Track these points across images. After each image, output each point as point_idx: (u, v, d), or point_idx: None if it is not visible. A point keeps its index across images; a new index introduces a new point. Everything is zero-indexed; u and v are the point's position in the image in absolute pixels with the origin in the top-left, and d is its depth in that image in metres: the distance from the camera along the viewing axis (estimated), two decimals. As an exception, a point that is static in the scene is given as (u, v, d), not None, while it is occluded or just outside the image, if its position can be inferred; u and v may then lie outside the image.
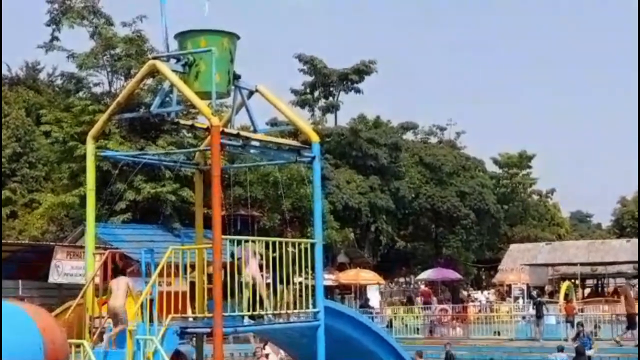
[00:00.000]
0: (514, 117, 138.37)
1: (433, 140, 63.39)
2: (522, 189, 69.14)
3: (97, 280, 12.56)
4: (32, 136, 38.00)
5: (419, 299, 41.56)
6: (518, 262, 50.98)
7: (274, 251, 12.29)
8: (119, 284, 11.89)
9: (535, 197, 72.76)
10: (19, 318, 5.73)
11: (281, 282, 12.30)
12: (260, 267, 12.32)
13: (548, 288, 46.85)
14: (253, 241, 12.41)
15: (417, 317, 35.46)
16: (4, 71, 46.78)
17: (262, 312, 12.04)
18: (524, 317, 35.79)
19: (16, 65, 48.45)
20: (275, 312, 12.28)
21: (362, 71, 52.58)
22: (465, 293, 48.31)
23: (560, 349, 23.16)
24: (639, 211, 58.87)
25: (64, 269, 26.42)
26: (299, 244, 12.83)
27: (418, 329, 34.10)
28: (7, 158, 36.31)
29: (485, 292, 49.68)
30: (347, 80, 52.94)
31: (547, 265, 49.91)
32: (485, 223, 56.13)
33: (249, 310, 11.83)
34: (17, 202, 35.84)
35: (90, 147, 12.78)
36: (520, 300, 43.37)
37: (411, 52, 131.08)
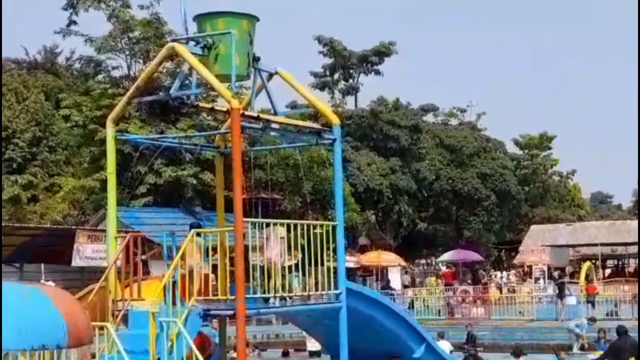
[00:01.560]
0: (535, 98, 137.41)
1: (453, 122, 63.12)
2: (542, 170, 68.80)
3: (119, 263, 12.59)
4: (51, 120, 38.15)
5: (432, 279, 41.73)
6: (539, 243, 50.79)
7: (296, 234, 12.27)
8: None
9: (556, 178, 72.39)
10: (41, 301, 5.74)
11: (308, 264, 12.27)
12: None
13: (569, 269, 46.67)
14: (274, 224, 12.37)
15: (438, 298, 35.45)
16: (23, 55, 47.02)
17: (285, 294, 12.03)
18: (540, 299, 35.67)
19: (34, 49, 48.63)
20: (297, 294, 12.26)
21: (382, 53, 52.30)
22: (484, 273, 48.13)
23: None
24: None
25: (85, 252, 26.61)
26: (321, 226, 12.79)
27: (439, 310, 34.09)
28: (27, 142, 36.49)
29: (505, 273, 49.46)
30: (366, 62, 52.69)
31: (567, 246, 49.70)
32: (506, 204, 55.94)
33: (269, 292, 11.82)
34: (38, 186, 36.05)
35: (110, 131, 12.77)
36: (541, 281, 43.24)
37: (430, 33, 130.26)
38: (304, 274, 12.42)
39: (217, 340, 14.86)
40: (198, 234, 11.93)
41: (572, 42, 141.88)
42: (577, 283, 37.31)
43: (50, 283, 22.48)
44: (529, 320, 30.97)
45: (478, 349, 25.31)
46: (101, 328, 10.90)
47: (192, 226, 12.55)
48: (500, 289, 38.16)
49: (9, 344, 5.64)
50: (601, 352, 19.51)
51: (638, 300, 28.53)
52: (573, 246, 49.72)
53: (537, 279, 44.51)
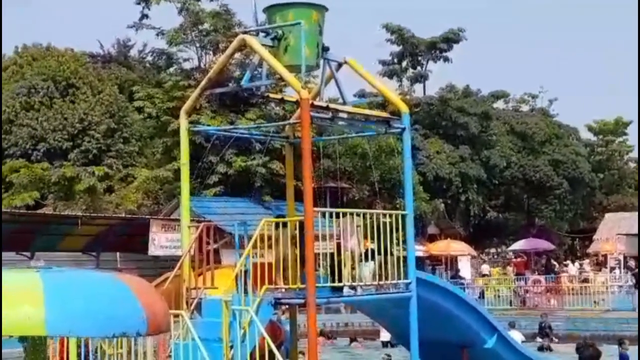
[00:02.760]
0: (609, 82, 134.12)
1: (524, 108, 62.15)
2: (618, 156, 67.22)
3: (192, 252, 12.83)
4: (125, 112, 38.94)
5: (494, 270, 41.26)
6: (614, 232, 49.58)
7: (365, 223, 12.32)
8: None
9: (632, 165, 70.62)
10: (121, 289, 5.92)
11: (378, 253, 12.31)
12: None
13: (646, 258, 45.51)
14: (349, 213, 12.43)
15: (509, 287, 35.06)
16: (97, 49, 48.03)
17: (355, 284, 12.09)
18: (620, 287, 34.93)
19: (108, 43, 49.59)
20: (367, 283, 12.31)
21: (451, 39, 51.74)
22: (555, 263, 47.30)
23: None
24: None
25: (159, 241, 27.19)
26: (390, 215, 12.80)
27: (511, 300, 33.73)
28: (102, 134, 37.36)
29: (577, 263, 48.41)
30: (435, 49, 52.22)
31: (644, 234, 48.38)
32: (580, 192, 54.89)
33: (339, 281, 11.90)
34: (113, 177, 36.89)
35: (183, 122, 13.01)
36: (617, 271, 42.34)
37: (500, 17, 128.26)
38: (374, 263, 12.46)
39: (287, 328, 15.06)
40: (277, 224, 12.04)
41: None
42: (654, 272, 36.38)
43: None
44: (604, 311, 30.39)
45: (553, 339, 25.01)
46: (176, 316, 11.16)
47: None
48: (572, 280, 37.56)
49: (91, 331, 5.83)
50: None
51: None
52: (650, 234, 48.40)
53: (612, 269, 43.61)
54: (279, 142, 22.49)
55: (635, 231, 48.81)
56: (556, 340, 24.81)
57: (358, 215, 12.44)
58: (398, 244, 12.73)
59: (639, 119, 57.19)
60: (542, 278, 37.10)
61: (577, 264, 47.64)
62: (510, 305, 32.93)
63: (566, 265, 46.17)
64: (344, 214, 12.18)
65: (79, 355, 12.03)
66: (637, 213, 54.68)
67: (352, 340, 26.36)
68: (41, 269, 5.88)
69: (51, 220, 27.59)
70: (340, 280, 11.84)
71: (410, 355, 12.82)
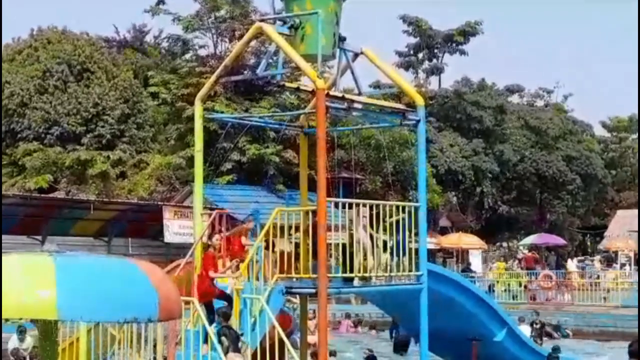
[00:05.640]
0: (625, 79, 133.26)
1: (539, 103, 61.91)
2: (631, 153, 66.93)
3: (205, 239, 12.84)
4: (139, 98, 38.94)
5: (500, 264, 41.13)
6: (625, 229, 49.46)
7: (378, 214, 12.28)
8: None
9: (646, 162, 70.26)
10: (134, 274, 5.91)
11: (390, 245, 12.28)
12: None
13: (657, 255, 45.32)
14: (357, 204, 12.40)
15: (519, 282, 34.97)
16: (112, 34, 48.07)
17: (367, 275, 12.07)
18: (631, 283, 34.79)
19: (124, 28, 49.56)
20: (379, 274, 12.29)
21: (468, 32, 51.49)
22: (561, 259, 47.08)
23: None
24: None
25: (172, 228, 27.22)
26: (403, 207, 12.76)
27: (514, 295, 33.60)
28: (115, 119, 37.39)
29: (575, 260, 47.79)
30: (452, 41, 51.99)
31: (656, 232, 48.16)
32: (592, 188, 54.69)
33: (351, 272, 11.88)
34: (126, 163, 36.91)
35: (198, 109, 13.00)
36: (627, 268, 42.16)
37: (518, 11, 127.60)
38: (386, 255, 12.43)
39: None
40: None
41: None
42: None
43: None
44: (613, 307, 30.28)
45: (555, 336, 24.77)
46: (187, 303, 11.16)
47: None
48: (582, 275, 37.42)
49: (101, 315, 5.82)
50: None
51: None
52: (662, 232, 48.18)
53: (622, 265, 43.44)
54: (293, 130, 22.45)
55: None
56: (557, 337, 24.71)
57: (364, 206, 12.39)
58: (410, 236, 12.69)
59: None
60: (552, 273, 36.96)
61: (575, 260, 47.03)
62: (514, 299, 32.80)
63: (566, 261, 45.87)
64: (352, 205, 12.15)
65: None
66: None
67: (372, 327, 26.67)
68: (54, 253, 5.87)
69: (64, 204, 27.65)
70: (352, 271, 11.82)
71: (420, 347, 12.81)
